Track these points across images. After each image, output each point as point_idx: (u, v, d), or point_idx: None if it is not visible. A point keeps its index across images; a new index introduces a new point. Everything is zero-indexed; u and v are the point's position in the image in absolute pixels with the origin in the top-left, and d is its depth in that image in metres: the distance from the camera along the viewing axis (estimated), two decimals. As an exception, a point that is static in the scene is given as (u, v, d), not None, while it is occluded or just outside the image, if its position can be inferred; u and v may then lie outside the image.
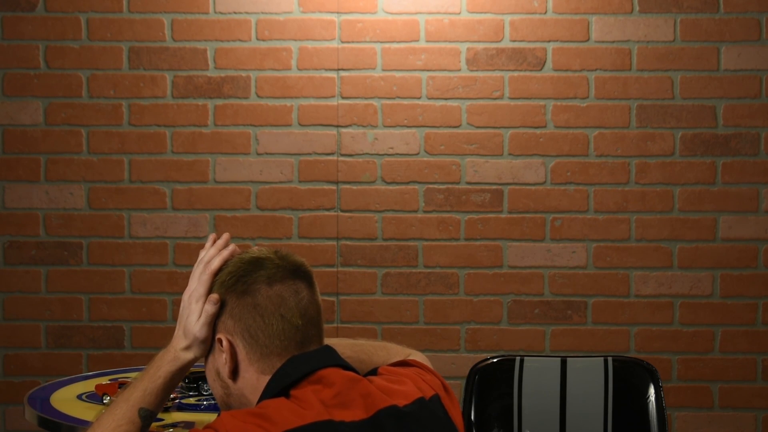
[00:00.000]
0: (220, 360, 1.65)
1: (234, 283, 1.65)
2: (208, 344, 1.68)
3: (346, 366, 1.65)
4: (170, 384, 1.70)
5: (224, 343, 1.64)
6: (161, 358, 1.71)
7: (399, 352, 1.93)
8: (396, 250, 3.85)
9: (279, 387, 1.59)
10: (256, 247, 1.72)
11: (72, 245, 3.86)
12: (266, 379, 1.61)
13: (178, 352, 1.70)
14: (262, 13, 3.83)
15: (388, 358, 1.88)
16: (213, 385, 1.69)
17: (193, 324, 1.68)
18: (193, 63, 3.84)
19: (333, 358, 1.64)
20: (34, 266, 3.86)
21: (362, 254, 3.84)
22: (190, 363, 1.70)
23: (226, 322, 1.65)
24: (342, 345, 1.82)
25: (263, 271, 1.65)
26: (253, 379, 1.63)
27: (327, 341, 1.74)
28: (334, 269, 3.84)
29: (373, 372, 1.74)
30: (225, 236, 1.77)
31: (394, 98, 3.84)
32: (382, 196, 3.85)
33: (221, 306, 1.65)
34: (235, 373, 1.64)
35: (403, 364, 1.81)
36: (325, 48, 3.83)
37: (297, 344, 1.63)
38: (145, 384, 1.70)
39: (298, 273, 1.67)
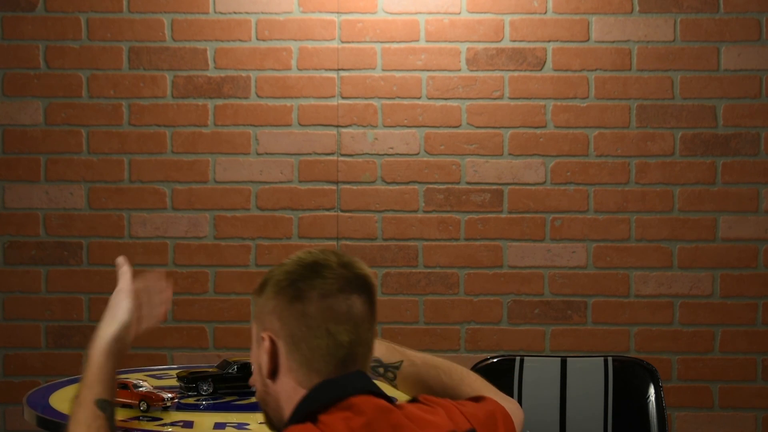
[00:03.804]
0: (262, 357, 1.61)
1: (287, 285, 1.60)
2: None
3: (378, 393, 1.59)
4: (106, 367, 1.77)
5: (266, 343, 1.60)
6: (88, 351, 1.78)
7: (478, 386, 1.85)
8: (396, 250, 3.85)
9: (307, 411, 1.55)
10: (318, 249, 1.66)
11: (72, 245, 3.86)
12: (301, 391, 1.57)
13: (101, 336, 1.81)
14: (262, 13, 3.83)
15: (464, 391, 1.83)
16: (255, 377, 1.66)
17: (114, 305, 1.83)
18: (193, 63, 3.84)
19: (365, 384, 1.59)
20: (34, 266, 3.86)
21: (362, 254, 3.84)
22: (111, 334, 1.82)
23: (273, 321, 1.60)
24: (429, 365, 1.83)
25: (319, 280, 1.59)
26: (290, 389, 1.59)
27: (411, 354, 1.76)
28: (334, 269, 3.83)
29: (414, 398, 1.69)
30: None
31: (394, 98, 3.84)
32: (382, 196, 3.85)
33: (270, 303, 1.61)
34: (273, 374, 1.60)
35: (470, 399, 1.75)
36: (325, 48, 3.83)
37: (339, 362, 1.57)
38: (85, 380, 1.74)
39: (357, 284, 1.60)
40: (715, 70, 3.82)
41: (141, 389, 2.46)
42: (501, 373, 2.86)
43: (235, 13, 3.83)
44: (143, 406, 2.41)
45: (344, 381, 1.57)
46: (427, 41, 3.83)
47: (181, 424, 2.33)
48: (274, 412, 1.64)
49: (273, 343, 1.60)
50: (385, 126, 3.84)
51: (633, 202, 3.83)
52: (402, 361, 1.91)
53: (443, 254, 3.85)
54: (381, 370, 1.91)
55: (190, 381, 2.59)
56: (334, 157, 3.85)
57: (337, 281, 1.59)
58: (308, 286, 1.58)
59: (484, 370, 2.85)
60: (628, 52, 3.82)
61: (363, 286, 1.61)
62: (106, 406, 1.71)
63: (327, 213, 3.85)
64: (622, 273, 3.84)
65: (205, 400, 2.53)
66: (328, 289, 1.58)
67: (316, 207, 3.85)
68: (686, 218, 3.84)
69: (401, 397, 1.84)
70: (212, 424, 2.29)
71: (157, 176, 3.85)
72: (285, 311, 1.59)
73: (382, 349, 1.90)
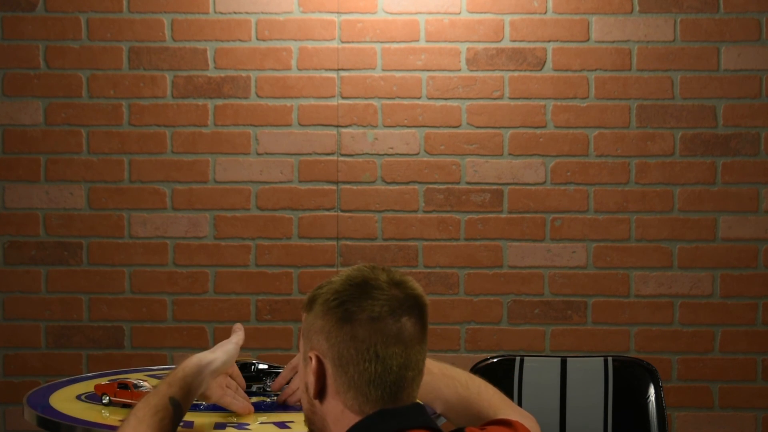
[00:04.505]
0: (310, 377, 1.58)
1: (336, 306, 1.56)
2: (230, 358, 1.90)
3: (435, 429, 1.57)
4: (192, 380, 1.83)
5: (314, 362, 1.57)
6: (184, 361, 1.86)
7: (496, 401, 1.83)
8: (396, 250, 3.85)
9: None
10: (368, 265, 1.62)
11: (72, 245, 3.86)
12: (350, 415, 1.54)
13: (200, 356, 1.85)
14: (262, 13, 3.83)
15: (487, 408, 1.81)
16: (302, 396, 1.64)
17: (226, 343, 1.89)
18: (193, 63, 3.84)
19: (424, 419, 1.56)
20: (34, 266, 3.86)
21: (362, 254, 3.84)
22: (210, 360, 1.87)
23: (321, 342, 1.57)
24: (447, 376, 1.83)
25: (370, 302, 1.55)
26: (338, 411, 1.56)
27: (429, 362, 1.74)
28: (334, 269, 3.84)
29: (460, 431, 1.66)
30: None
31: (394, 98, 3.84)
32: (382, 196, 3.85)
33: (319, 322, 1.58)
34: (321, 395, 1.57)
35: (500, 423, 1.73)
36: (325, 48, 3.83)
37: (388, 387, 1.54)
38: (169, 379, 1.81)
39: (408, 305, 1.57)
40: (715, 70, 3.82)
41: (141, 389, 2.46)
42: (501, 373, 2.86)
43: (235, 13, 3.83)
44: (143, 406, 2.41)
45: (402, 413, 1.54)
46: (427, 41, 3.83)
47: (181, 424, 2.33)
48: None
49: (320, 363, 1.57)
50: (385, 126, 3.84)
51: (633, 202, 3.83)
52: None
53: (443, 254, 3.85)
54: None
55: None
56: (334, 157, 3.85)
57: (388, 303, 1.55)
58: (358, 308, 1.54)
59: (484, 370, 2.85)
60: (628, 52, 3.82)
61: (414, 307, 1.57)
62: (177, 407, 1.77)
63: (327, 213, 3.85)
64: (622, 273, 3.84)
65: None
66: (378, 312, 1.54)
67: (316, 207, 3.85)
68: (686, 218, 3.84)
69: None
70: (212, 424, 2.29)
71: (157, 176, 3.85)
72: (333, 332, 1.55)
73: None
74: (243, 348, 2.04)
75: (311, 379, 1.58)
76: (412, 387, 1.57)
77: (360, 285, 1.57)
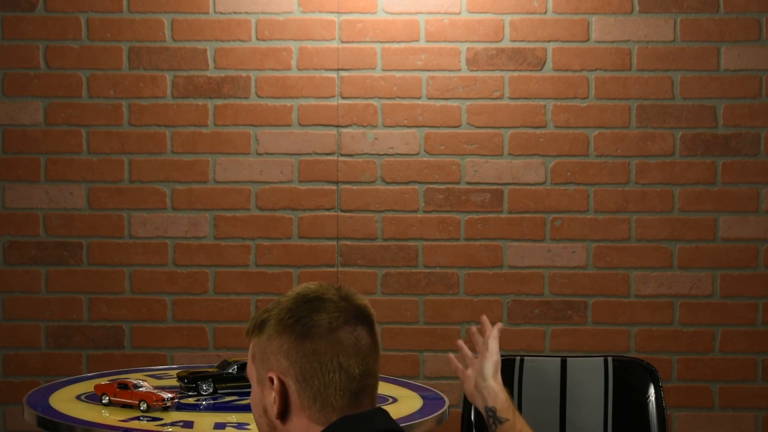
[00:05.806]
0: (269, 398, 1.57)
1: (293, 323, 1.57)
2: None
3: (399, 431, 1.58)
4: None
5: (275, 382, 1.56)
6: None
7: None
8: (396, 250, 3.85)
9: None
10: (313, 283, 1.65)
11: (72, 245, 3.86)
12: (316, 428, 1.55)
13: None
14: (262, 13, 3.83)
15: None
16: (258, 421, 1.62)
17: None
18: (193, 63, 3.84)
19: (387, 423, 1.58)
20: (34, 266, 3.86)
21: (362, 254, 3.84)
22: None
23: (280, 361, 1.56)
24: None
25: (324, 315, 1.57)
26: (303, 427, 1.56)
27: (518, 418, 1.91)
28: (334, 269, 3.84)
29: None
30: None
31: (394, 98, 3.84)
32: (382, 196, 3.85)
33: (275, 342, 1.58)
34: (284, 415, 1.57)
35: None
36: (325, 48, 3.83)
37: (352, 395, 1.55)
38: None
39: (361, 317, 1.60)
40: (715, 70, 3.82)
41: (141, 389, 2.46)
42: (501, 373, 2.86)
43: (235, 13, 3.83)
44: (143, 406, 2.41)
45: (366, 417, 1.56)
46: (427, 41, 3.83)
47: (181, 424, 2.33)
48: None
49: (282, 383, 1.56)
50: (385, 126, 3.84)
51: (633, 202, 3.83)
52: (508, 420, 2.07)
53: (443, 254, 3.85)
54: (491, 420, 2.07)
55: (190, 381, 2.59)
56: (334, 157, 3.85)
57: (342, 314, 1.58)
58: (314, 322, 1.56)
59: (484, 370, 2.84)
60: (628, 52, 3.82)
61: (365, 318, 1.61)
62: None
63: (327, 213, 3.85)
64: (622, 273, 3.84)
65: (205, 400, 2.53)
66: (336, 324, 1.57)
67: (316, 207, 3.85)
68: (686, 218, 3.84)
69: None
70: (212, 424, 2.29)
71: (157, 176, 3.85)
72: (293, 350, 1.56)
73: (502, 401, 2.08)
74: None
75: (273, 400, 1.57)
76: (373, 394, 1.60)
77: (312, 300, 1.59)
